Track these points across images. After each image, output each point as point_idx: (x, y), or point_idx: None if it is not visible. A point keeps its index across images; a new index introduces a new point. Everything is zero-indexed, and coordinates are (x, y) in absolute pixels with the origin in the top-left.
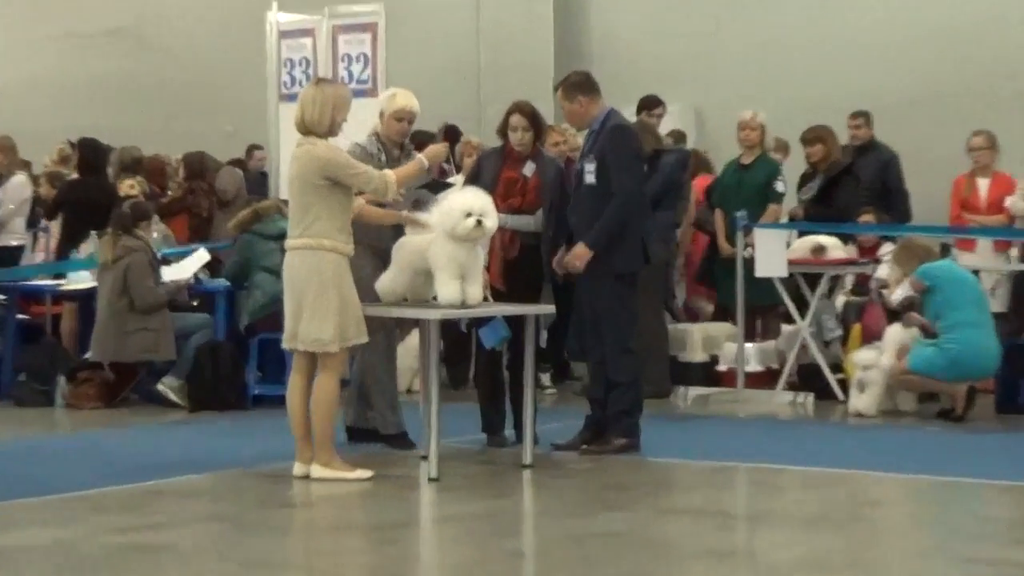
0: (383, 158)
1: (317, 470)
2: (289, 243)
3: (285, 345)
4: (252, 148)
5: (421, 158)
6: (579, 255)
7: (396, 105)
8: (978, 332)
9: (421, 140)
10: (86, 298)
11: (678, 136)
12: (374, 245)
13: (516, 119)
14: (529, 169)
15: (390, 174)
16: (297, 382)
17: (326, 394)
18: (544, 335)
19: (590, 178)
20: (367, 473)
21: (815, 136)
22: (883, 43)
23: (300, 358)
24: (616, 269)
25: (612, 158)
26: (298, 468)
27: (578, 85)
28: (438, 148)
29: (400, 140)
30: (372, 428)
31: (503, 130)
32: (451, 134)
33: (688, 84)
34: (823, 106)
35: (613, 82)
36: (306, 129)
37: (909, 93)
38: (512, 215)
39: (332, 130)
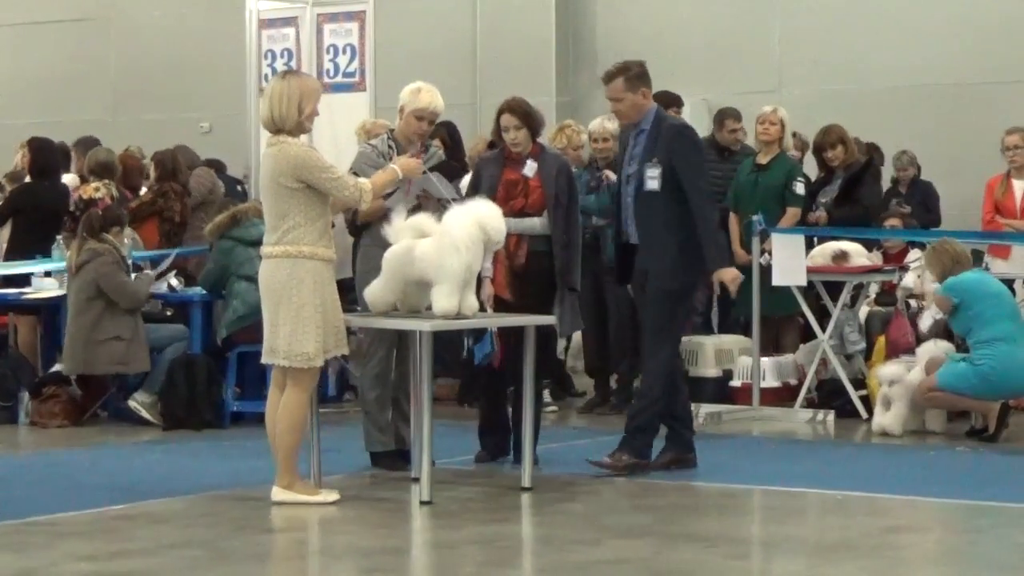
0: (394, 157)
1: (277, 493)
2: (265, 250)
3: (265, 360)
4: None
5: (395, 168)
6: (732, 277)
7: (419, 103)
8: (1012, 347)
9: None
10: (51, 309)
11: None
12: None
13: (507, 119)
14: (530, 169)
15: (366, 183)
16: (277, 398)
17: (292, 410)
18: (562, 344)
19: (653, 184)
20: (332, 496)
21: (838, 138)
22: (916, 30)
23: (280, 373)
24: (671, 284)
25: (683, 164)
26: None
27: (642, 76)
28: (412, 163)
29: (417, 140)
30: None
31: (496, 132)
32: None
33: (701, 76)
34: (847, 100)
35: None
36: (275, 127)
37: (941, 87)
38: (516, 218)
39: (301, 125)
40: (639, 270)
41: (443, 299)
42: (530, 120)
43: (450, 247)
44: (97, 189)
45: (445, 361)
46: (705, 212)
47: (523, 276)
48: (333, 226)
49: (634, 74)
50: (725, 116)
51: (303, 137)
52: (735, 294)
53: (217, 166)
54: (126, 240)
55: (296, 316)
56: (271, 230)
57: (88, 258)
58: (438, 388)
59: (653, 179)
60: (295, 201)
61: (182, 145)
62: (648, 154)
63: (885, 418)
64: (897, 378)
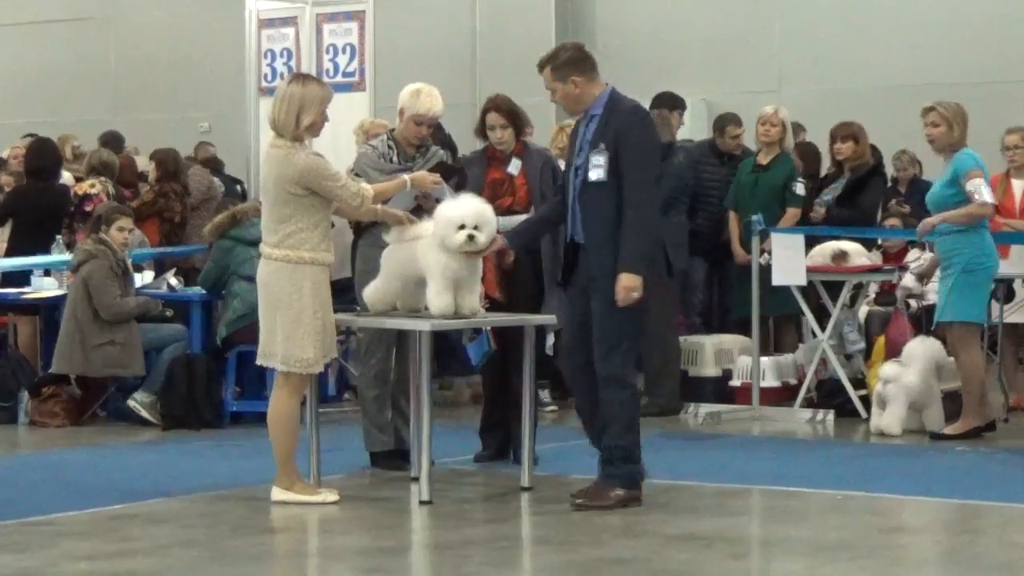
0: (394, 158)
1: (276, 493)
2: (264, 250)
3: (260, 361)
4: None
5: (405, 179)
6: (631, 287)
7: (419, 108)
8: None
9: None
10: (51, 309)
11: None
12: None
13: (492, 117)
14: (515, 167)
15: (367, 189)
16: None
17: (284, 412)
18: (551, 340)
19: (599, 173)
20: (332, 496)
21: (849, 133)
22: (916, 30)
23: (281, 375)
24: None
25: (629, 149)
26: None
27: (572, 63)
28: (424, 176)
29: (417, 143)
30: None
31: (481, 130)
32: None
33: (701, 76)
34: (847, 100)
35: (619, 71)
36: (277, 131)
37: (940, 87)
38: (504, 217)
39: (298, 134)
40: (582, 273)
41: (434, 298)
42: (516, 119)
43: (432, 246)
44: (92, 186)
45: (444, 360)
46: (641, 205)
47: (512, 274)
48: (333, 226)
49: (561, 62)
50: (726, 122)
51: (307, 141)
52: (620, 304)
53: (214, 165)
54: (127, 237)
55: (295, 322)
56: (271, 231)
57: (84, 258)
58: (462, 391)
59: (598, 167)
60: (298, 206)
61: (175, 149)
62: (596, 140)
63: (883, 419)
64: (893, 378)
